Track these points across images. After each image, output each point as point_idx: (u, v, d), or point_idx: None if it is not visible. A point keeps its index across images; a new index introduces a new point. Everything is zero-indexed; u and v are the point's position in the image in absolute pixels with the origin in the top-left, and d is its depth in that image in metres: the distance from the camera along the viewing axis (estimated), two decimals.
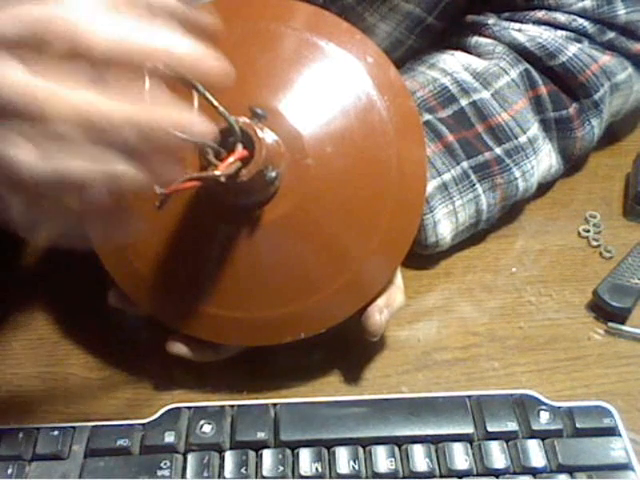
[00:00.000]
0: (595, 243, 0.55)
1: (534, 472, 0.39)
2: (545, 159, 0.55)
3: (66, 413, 0.44)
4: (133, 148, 0.29)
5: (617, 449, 0.39)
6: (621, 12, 0.54)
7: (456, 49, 0.57)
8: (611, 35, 0.55)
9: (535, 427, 0.40)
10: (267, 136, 0.38)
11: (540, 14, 0.55)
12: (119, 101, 0.28)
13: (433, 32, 0.58)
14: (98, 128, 0.28)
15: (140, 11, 0.30)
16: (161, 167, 0.30)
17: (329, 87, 0.42)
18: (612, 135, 0.62)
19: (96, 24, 0.28)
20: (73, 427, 0.41)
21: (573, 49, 0.54)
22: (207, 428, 0.40)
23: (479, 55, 0.55)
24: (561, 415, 0.41)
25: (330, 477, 0.39)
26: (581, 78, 0.54)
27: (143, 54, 0.29)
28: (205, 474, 0.38)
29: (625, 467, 0.39)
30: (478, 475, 0.39)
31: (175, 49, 0.29)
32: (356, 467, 0.39)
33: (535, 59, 0.54)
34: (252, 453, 0.39)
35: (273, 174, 0.38)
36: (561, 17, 0.54)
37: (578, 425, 0.40)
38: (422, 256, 0.52)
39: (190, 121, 0.29)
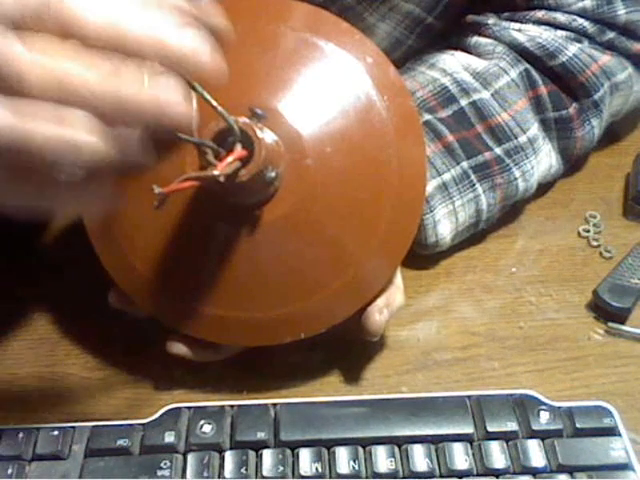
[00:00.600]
0: (595, 243, 0.55)
1: (534, 472, 0.39)
2: (545, 159, 0.55)
3: (66, 413, 0.44)
4: (101, 117, 0.28)
5: (617, 449, 0.39)
6: (621, 12, 0.54)
7: (456, 49, 0.57)
8: (611, 35, 0.55)
9: (535, 427, 0.40)
10: (266, 136, 0.38)
11: (540, 14, 0.55)
12: (96, 71, 0.28)
13: (433, 32, 0.58)
14: (68, 91, 0.28)
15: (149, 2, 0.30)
16: (128, 143, 0.30)
17: (328, 87, 0.42)
18: (612, 135, 0.62)
19: (92, 7, 0.28)
20: (73, 427, 0.41)
21: (573, 49, 0.54)
22: (207, 428, 0.40)
23: (479, 55, 0.55)
24: (561, 415, 0.41)
25: (330, 477, 0.39)
26: (581, 78, 0.54)
27: (134, 40, 0.29)
28: (205, 474, 0.38)
29: (625, 467, 0.39)
30: (478, 475, 0.39)
31: (169, 40, 0.29)
32: (356, 467, 0.39)
33: (535, 59, 0.54)
34: (252, 453, 0.39)
35: (272, 174, 0.38)
36: (561, 17, 0.54)
37: (578, 425, 0.40)
38: (422, 256, 0.52)
39: (165, 100, 0.29)
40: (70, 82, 0.28)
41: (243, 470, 0.39)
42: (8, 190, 0.30)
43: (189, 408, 0.41)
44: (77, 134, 0.28)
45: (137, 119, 0.29)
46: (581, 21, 0.54)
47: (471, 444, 0.40)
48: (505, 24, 0.55)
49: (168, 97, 0.29)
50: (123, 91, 0.28)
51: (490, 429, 0.40)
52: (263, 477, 0.38)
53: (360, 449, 0.40)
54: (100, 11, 0.28)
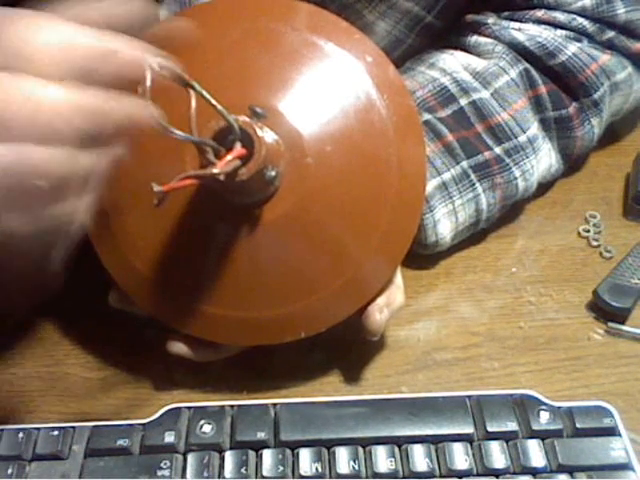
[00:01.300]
0: (595, 243, 0.55)
1: (534, 472, 0.39)
2: (545, 158, 0.55)
3: (66, 413, 0.44)
4: (84, 135, 0.29)
5: (617, 449, 0.39)
6: (621, 11, 0.54)
7: (455, 48, 0.57)
8: (611, 34, 0.55)
9: (535, 427, 0.40)
10: (267, 135, 0.38)
11: (540, 13, 0.55)
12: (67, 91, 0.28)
13: (432, 31, 0.58)
14: (45, 118, 0.28)
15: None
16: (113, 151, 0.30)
17: (329, 86, 0.42)
18: (612, 135, 0.62)
19: (37, 33, 0.28)
20: (73, 427, 0.41)
21: (573, 48, 0.54)
22: (207, 428, 0.40)
23: (479, 54, 0.55)
24: (561, 415, 0.41)
25: (330, 477, 0.39)
26: (581, 77, 0.54)
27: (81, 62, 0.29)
28: (205, 474, 0.38)
29: (625, 467, 0.39)
30: (478, 475, 0.39)
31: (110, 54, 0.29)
32: (356, 467, 0.39)
33: (535, 58, 0.54)
34: (252, 453, 0.39)
35: (273, 173, 0.38)
36: (560, 16, 0.54)
37: (578, 425, 0.40)
38: (422, 256, 0.52)
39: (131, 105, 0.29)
40: (42, 115, 0.28)
41: (243, 470, 0.39)
42: (8, 218, 0.30)
43: (189, 408, 0.41)
44: (65, 164, 0.29)
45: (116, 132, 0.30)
46: (581, 20, 0.54)
47: (471, 444, 0.40)
48: (505, 23, 0.55)
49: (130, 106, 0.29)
50: (96, 113, 0.29)
51: (490, 429, 0.40)
52: (263, 477, 0.38)
53: (360, 449, 0.39)
54: (44, 36, 0.29)
